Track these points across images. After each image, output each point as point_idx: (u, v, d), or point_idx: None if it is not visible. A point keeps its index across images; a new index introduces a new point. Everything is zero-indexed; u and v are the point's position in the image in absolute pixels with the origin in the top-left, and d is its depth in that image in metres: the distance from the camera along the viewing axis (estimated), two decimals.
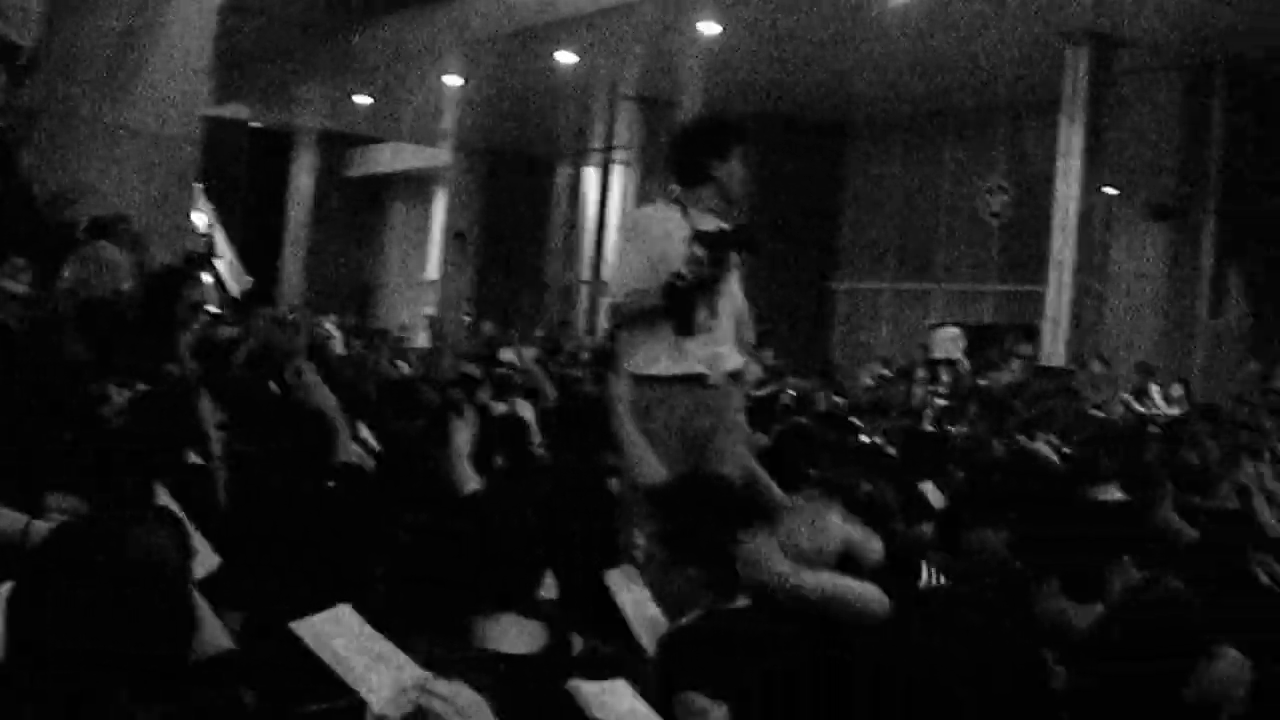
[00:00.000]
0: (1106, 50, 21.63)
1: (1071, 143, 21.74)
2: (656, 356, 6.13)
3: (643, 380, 6.13)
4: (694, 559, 4.09)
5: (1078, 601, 4.69)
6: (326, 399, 6.46)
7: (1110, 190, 22.63)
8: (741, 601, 4.14)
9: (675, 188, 6.36)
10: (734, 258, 6.29)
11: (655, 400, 6.09)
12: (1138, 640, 4.13)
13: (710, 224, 6.20)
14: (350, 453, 6.75)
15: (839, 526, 4.94)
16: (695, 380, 6.12)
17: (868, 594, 4.41)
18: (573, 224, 36.24)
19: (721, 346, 6.22)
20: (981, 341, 23.23)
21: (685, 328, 6.08)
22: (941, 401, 17.88)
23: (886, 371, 20.92)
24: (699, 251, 6.02)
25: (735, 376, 6.30)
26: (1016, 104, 26.41)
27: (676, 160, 6.41)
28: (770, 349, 18.13)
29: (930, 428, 15.58)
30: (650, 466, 5.17)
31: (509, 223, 36.65)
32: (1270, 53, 21.71)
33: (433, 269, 37.73)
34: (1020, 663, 3.40)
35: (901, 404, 18.12)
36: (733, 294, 6.35)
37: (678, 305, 6.05)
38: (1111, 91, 22.01)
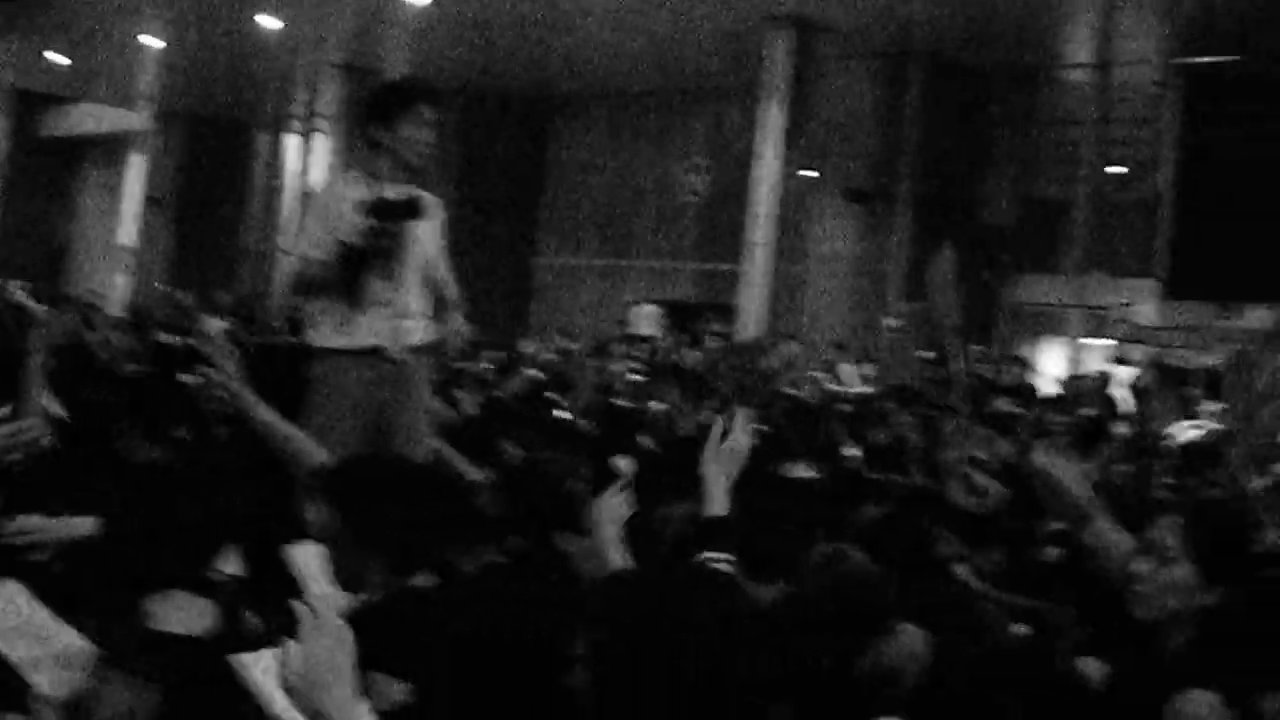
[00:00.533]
0: (808, 35, 22.04)
1: (771, 125, 22.09)
2: (333, 329, 5.95)
3: (321, 353, 5.97)
4: (370, 538, 3.97)
5: (758, 580, 4.70)
6: None
7: (808, 173, 23.07)
8: (422, 579, 4.05)
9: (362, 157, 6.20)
10: (433, 228, 6.15)
11: (332, 373, 5.92)
12: (817, 616, 4.14)
13: (392, 193, 6.02)
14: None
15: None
16: (373, 353, 5.96)
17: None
18: (272, 191, 35.53)
19: (407, 319, 6.04)
20: (679, 319, 23.49)
21: (356, 299, 5.90)
22: (638, 377, 17.96)
23: (571, 345, 20.90)
24: (366, 221, 5.84)
25: (423, 350, 6.14)
26: (719, 85, 26.73)
27: (356, 127, 6.27)
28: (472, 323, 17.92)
29: (626, 403, 15.65)
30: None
31: (207, 189, 35.77)
32: (965, 44, 22.42)
33: (128, 234, 36.49)
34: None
35: (597, 380, 18.17)
36: (425, 265, 6.18)
37: (347, 276, 5.86)
38: (811, 76, 22.44)
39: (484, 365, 16.52)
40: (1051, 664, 3.67)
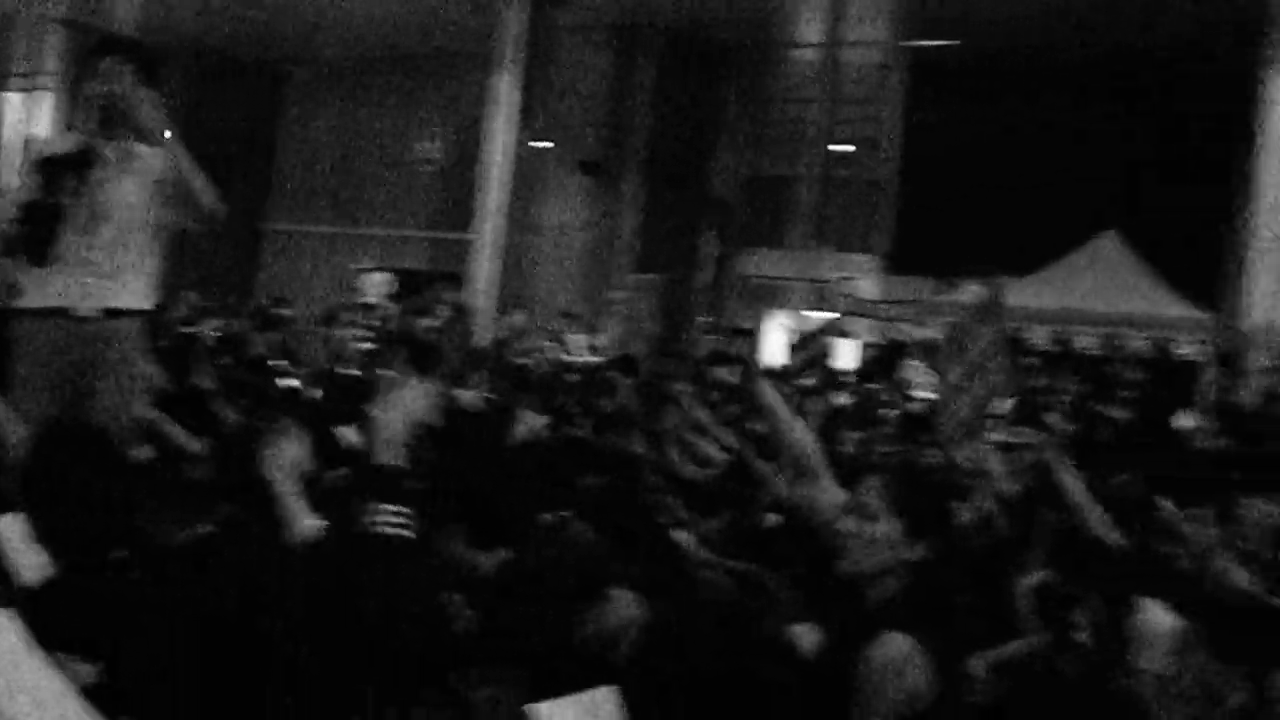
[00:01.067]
0: (543, 5, 21.99)
1: (504, 94, 22.01)
2: (23, 289, 5.71)
3: (12, 315, 5.73)
4: (57, 511, 3.83)
5: (482, 546, 4.68)
6: None
7: (540, 143, 23.05)
8: (117, 553, 3.92)
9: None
10: (142, 183, 5.92)
11: (23, 336, 5.69)
12: (540, 582, 4.14)
13: (61, 147, 5.82)
14: None
15: None
16: (60, 314, 5.73)
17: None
18: None
19: (106, 279, 5.80)
20: (410, 287, 23.29)
21: (36, 258, 5.67)
22: (367, 346, 17.76)
23: (285, 311, 20.55)
24: (36, 177, 5.64)
25: (123, 313, 5.88)
26: (455, 52, 26.52)
27: (70, 84, 6.04)
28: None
29: (355, 372, 15.47)
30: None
31: None
32: (699, 20, 22.63)
33: None
34: (421, 606, 3.33)
35: (326, 348, 17.92)
36: (134, 221, 5.91)
37: (32, 234, 5.63)
38: (546, 47, 22.39)
39: (209, 332, 16.14)
40: (760, 629, 3.72)
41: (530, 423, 8.45)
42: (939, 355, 11.85)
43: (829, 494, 4.63)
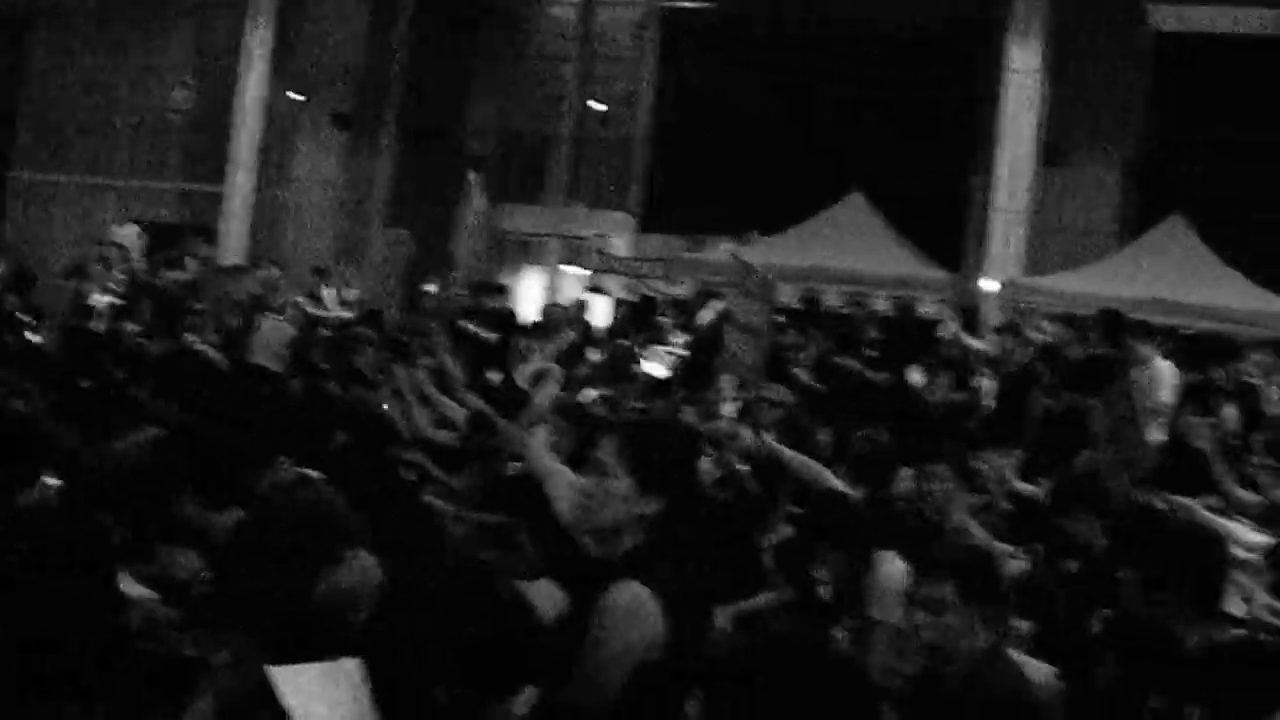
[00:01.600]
0: None
1: (257, 44, 21.64)
2: None
3: None
4: None
5: (215, 505, 4.60)
6: None
7: (294, 96, 22.68)
8: None
9: None
10: None
11: None
12: (275, 542, 4.07)
13: None
14: None
15: None
16: None
17: None
18: None
19: None
20: (160, 240, 22.70)
21: None
22: (115, 300, 17.31)
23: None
24: None
25: None
26: (205, 1, 25.92)
27: None
28: None
29: (101, 327, 15.11)
30: None
31: None
32: None
33: None
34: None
35: (72, 302, 17.47)
36: None
37: None
38: None
39: None
40: (501, 587, 3.71)
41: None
42: (690, 319, 12.06)
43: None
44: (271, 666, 3.21)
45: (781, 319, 15.26)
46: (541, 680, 3.44)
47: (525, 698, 3.37)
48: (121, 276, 19.09)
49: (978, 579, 4.69)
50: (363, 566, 3.92)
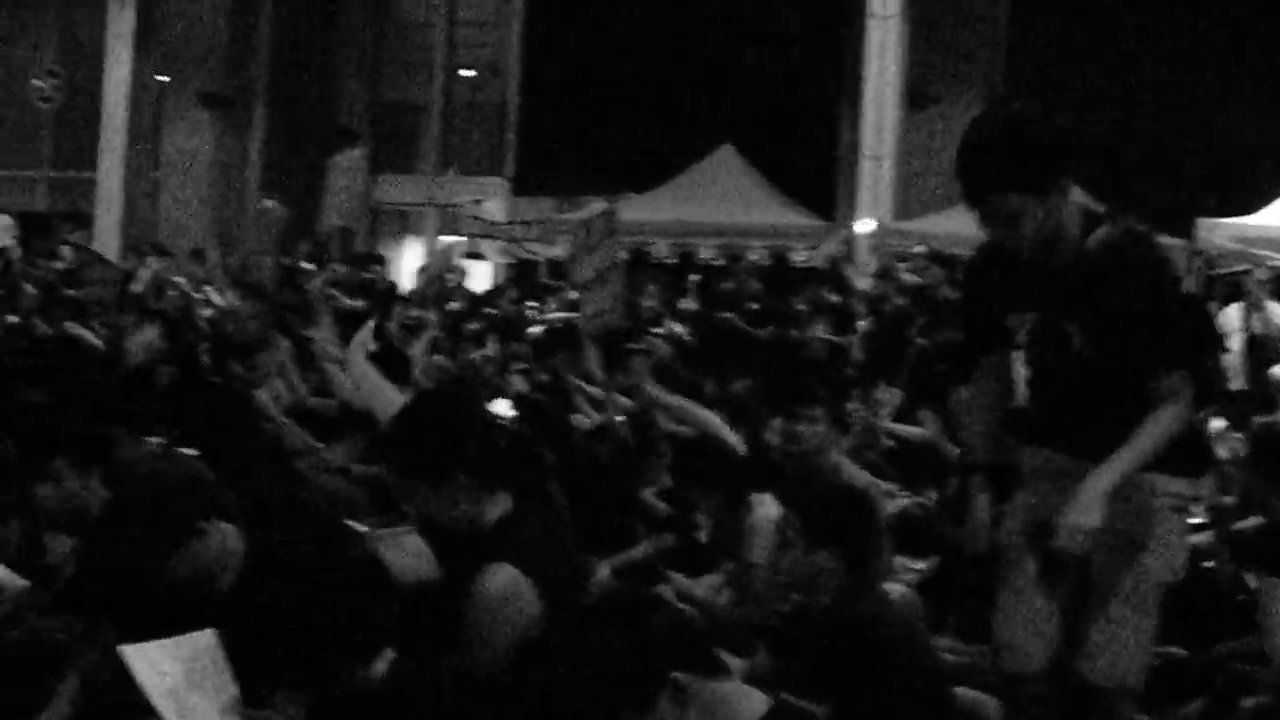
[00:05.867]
0: None
1: (122, 27, 21.38)
2: None
3: None
4: None
5: (80, 473, 4.55)
6: None
7: (162, 77, 22.43)
8: None
9: None
10: None
11: None
12: (137, 517, 4.06)
13: None
14: None
15: None
16: None
17: None
18: None
19: None
20: (34, 229, 22.35)
21: None
22: None
23: None
24: None
25: None
26: None
27: None
28: None
29: None
30: None
31: None
32: None
33: None
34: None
35: None
36: None
37: None
38: None
39: None
40: (350, 550, 3.74)
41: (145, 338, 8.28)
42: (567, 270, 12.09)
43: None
44: (125, 646, 3.22)
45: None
46: (400, 643, 3.46)
47: (382, 660, 3.39)
48: None
49: (849, 516, 4.76)
50: (224, 537, 3.91)
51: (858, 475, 6.70)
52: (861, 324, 14.63)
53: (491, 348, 13.23)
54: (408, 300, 15.99)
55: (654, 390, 7.78)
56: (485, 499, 3.90)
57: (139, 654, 3.24)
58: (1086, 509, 3.83)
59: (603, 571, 6.11)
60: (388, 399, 5.19)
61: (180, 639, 3.34)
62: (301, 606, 3.27)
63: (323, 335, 9.20)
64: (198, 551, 3.85)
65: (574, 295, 16.60)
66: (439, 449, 3.87)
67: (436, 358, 10.59)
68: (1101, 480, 3.85)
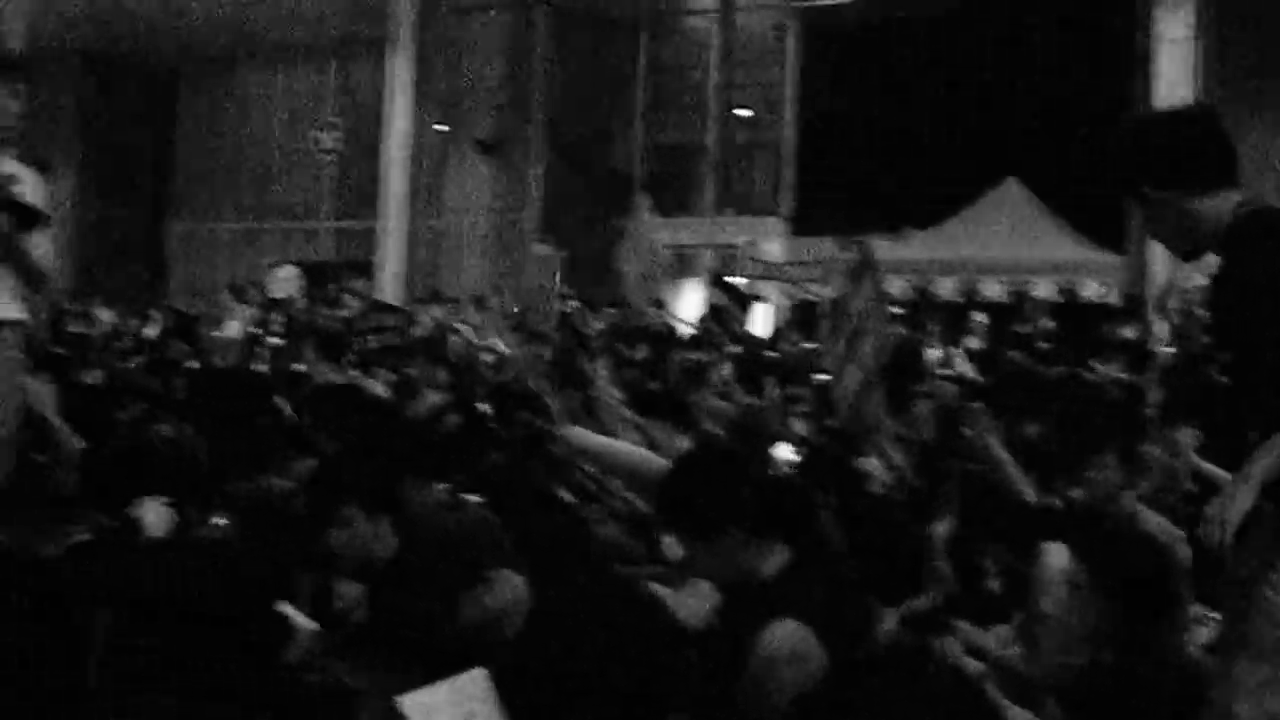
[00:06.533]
0: None
1: (400, 78, 21.89)
2: None
3: None
4: None
5: (371, 520, 4.60)
6: None
7: (440, 126, 22.91)
8: None
9: None
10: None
11: None
12: (427, 564, 4.08)
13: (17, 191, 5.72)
14: None
15: None
16: None
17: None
18: None
19: None
20: (318, 279, 23.07)
21: None
22: (277, 340, 17.64)
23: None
24: None
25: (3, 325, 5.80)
26: (347, 40, 26.30)
27: None
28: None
29: (263, 368, 15.38)
30: None
31: None
32: None
33: None
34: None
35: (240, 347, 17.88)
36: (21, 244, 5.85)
37: None
38: (439, 28, 22.26)
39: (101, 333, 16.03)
40: (640, 600, 3.67)
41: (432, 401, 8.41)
42: (820, 327, 11.91)
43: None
44: (401, 696, 3.22)
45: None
46: (686, 695, 3.38)
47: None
48: (257, 312, 19.49)
49: (1145, 566, 4.55)
50: (511, 585, 3.90)
51: (1155, 522, 6.44)
52: (1160, 361, 14.12)
53: (773, 391, 13.13)
54: (689, 344, 16.00)
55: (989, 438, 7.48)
56: (762, 552, 3.86)
57: (415, 703, 3.24)
58: (1228, 500, 3.56)
59: (889, 621, 5.96)
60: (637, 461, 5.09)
61: (454, 680, 3.33)
62: (589, 655, 3.21)
63: (602, 381, 9.24)
64: (485, 599, 3.85)
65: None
66: (710, 506, 3.83)
67: (719, 402, 10.54)
68: (1248, 471, 3.58)
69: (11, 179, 5.74)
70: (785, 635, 3.64)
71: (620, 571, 4.69)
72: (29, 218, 5.78)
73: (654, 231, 17.45)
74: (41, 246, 5.87)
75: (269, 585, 3.28)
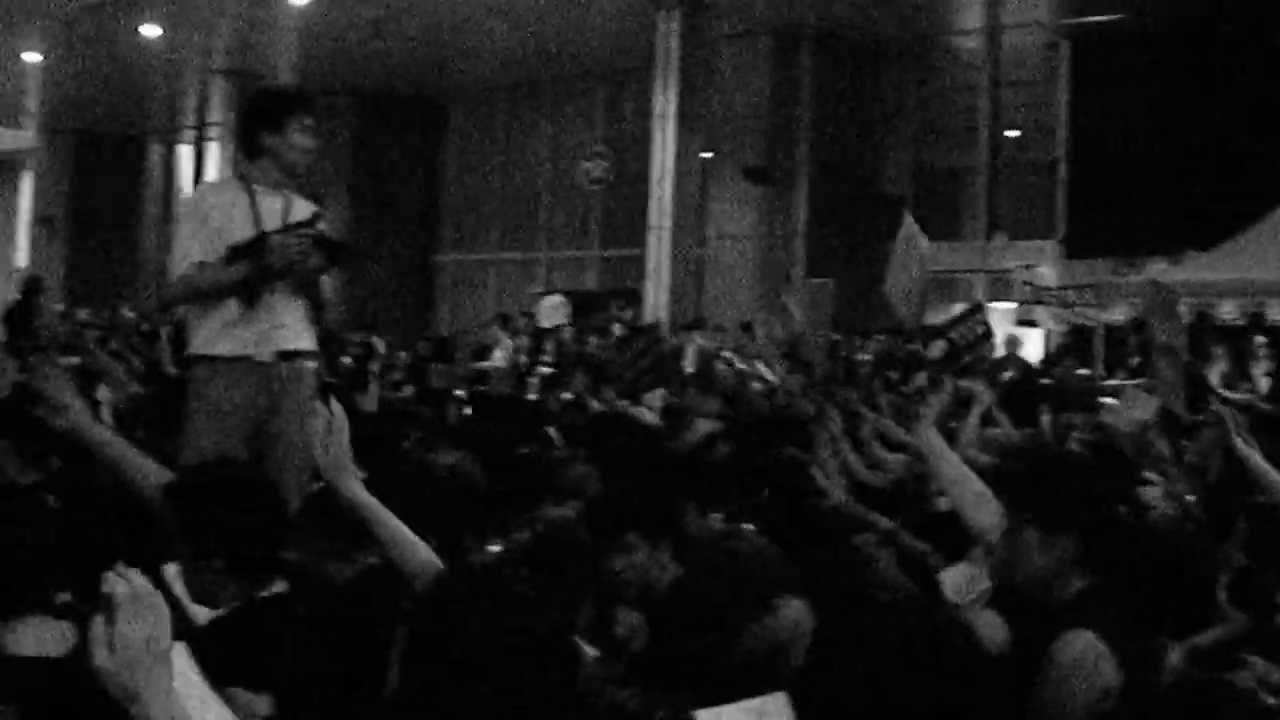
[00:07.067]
0: (697, 15, 21.99)
1: (665, 108, 22.02)
2: (210, 336, 5.82)
3: (200, 360, 5.84)
4: (216, 549, 3.87)
5: (654, 548, 4.62)
6: None
7: (705, 153, 23.02)
8: (277, 587, 3.94)
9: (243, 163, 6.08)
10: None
11: (205, 381, 5.80)
12: (708, 594, 4.07)
13: (302, 209, 5.93)
14: None
15: None
16: (243, 361, 5.82)
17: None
18: (168, 203, 35.18)
19: (282, 326, 5.89)
20: (585, 307, 23.36)
21: (248, 299, 5.79)
22: (547, 369, 17.92)
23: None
24: (295, 243, 5.75)
25: (301, 355, 5.99)
26: (611, 70, 26.64)
27: (238, 134, 6.16)
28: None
29: (533, 396, 15.61)
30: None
31: (100, 204, 35.28)
32: (854, 17, 22.44)
33: (21, 256, 35.97)
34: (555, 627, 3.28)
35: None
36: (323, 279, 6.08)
37: (251, 286, 5.76)
38: (703, 56, 22.39)
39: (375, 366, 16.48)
40: (938, 621, 3.59)
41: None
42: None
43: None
44: (699, 711, 3.19)
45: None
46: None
47: None
48: (525, 341, 19.80)
49: None
50: (795, 613, 3.87)
51: None
52: None
53: (1045, 418, 12.85)
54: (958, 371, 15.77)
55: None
56: (1068, 573, 3.87)
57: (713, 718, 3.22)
58: None
59: (1176, 655, 5.78)
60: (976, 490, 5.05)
61: (752, 702, 3.29)
62: (886, 680, 3.14)
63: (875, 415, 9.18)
64: (770, 627, 3.83)
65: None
66: (1063, 506, 4.00)
67: (993, 430, 10.35)
68: None
69: (319, 215, 5.95)
70: (1080, 646, 3.63)
71: (916, 594, 4.64)
72: (335, 253, 5.98)
73: (920, 252, 17.26)
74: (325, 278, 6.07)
75: (554, 613, 3.28)
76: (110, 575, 2.43)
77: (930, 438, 5.36)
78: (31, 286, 19.89)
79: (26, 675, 3.23)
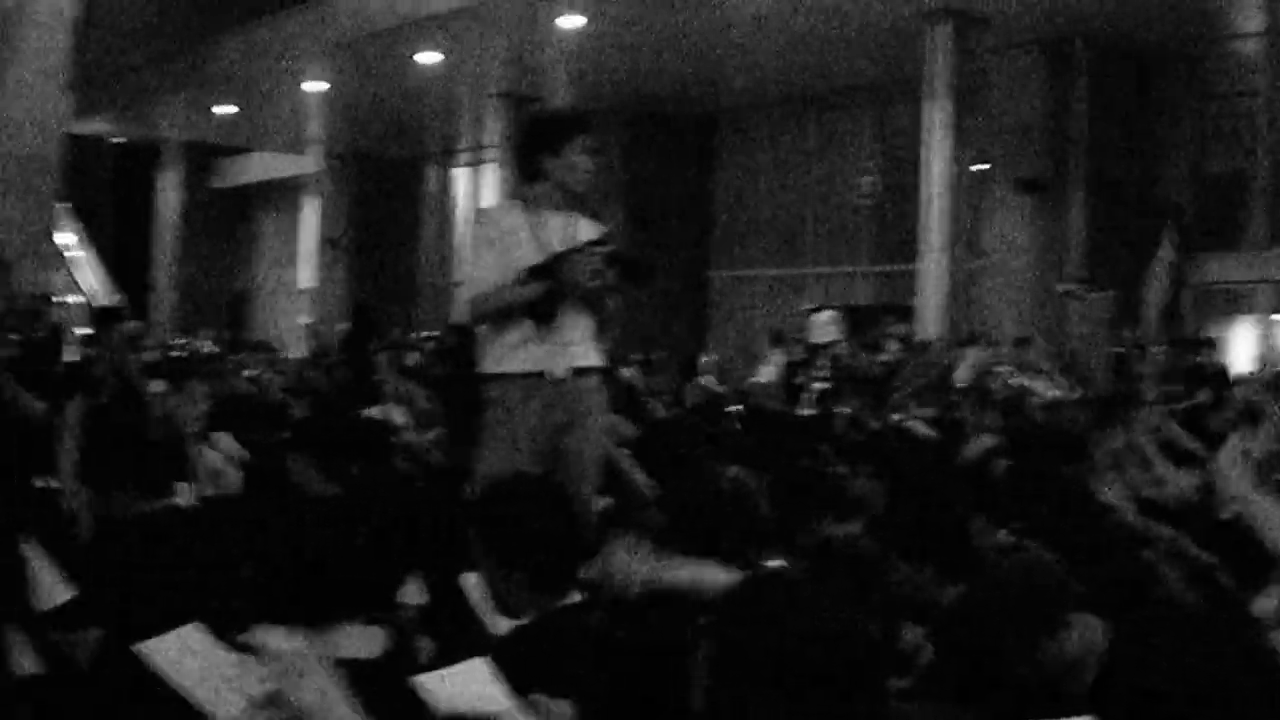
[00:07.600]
0: (968, 28, 21.77)
1: (937, 121, 21.85)
2: (504, 354, 6.01)
3: (493, 378, 6.03)
4: (519, 562, 4.01)
5: (940, 571, 4.63)
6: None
7: (978, 166, 22.76)
8: (574, 597, 4.06)
9: (523, 186, 6.26)
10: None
11: (502, 399, 5.98)
12: (999, 611, 4.06)
13: (587, 230, 6.11)
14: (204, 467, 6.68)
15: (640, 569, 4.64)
16: (538, 377, 5.98)
17: (711, 577, 4.33)
18: (445, 225, 36.09)
19: (572, 344, 6.05)
20: (857, 323, 23.28)
21: (545, 317, 5.96)
22: (821, 385, 17.91)
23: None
24: (590, 263, 5.92)
25: (591, 372, 6.15)
26: (881, 85, 26.51)
27: (515, 157, 6.34)
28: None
29: (810, 411, 15.62)
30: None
31: (380, 227, 36.37)
32: (1128, 24, 21.97)
33: (306, 278, 37.28)
34: (864, 638, 3.30)
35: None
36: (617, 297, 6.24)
37: (547, 305, 5.93)
38: (974, 68, 22.16)
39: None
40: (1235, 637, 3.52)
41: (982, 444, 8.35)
42: None
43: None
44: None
45: None
46: None
47: None
48: (797, 356, 19.79)
49: None
50: (1087, 629, 3.85)
51: None
52: None
53: None
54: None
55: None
56: None
57: None
58: None
59: None
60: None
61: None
62: (1185, 705, 3.09)
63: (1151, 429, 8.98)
64: (1064, 645, 3.82)
65: None
66: None
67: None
68: None
69: (609, 234, 6.11)
70: None
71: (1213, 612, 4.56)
72: (633, 269, 6.13)
73: (1170, 261, 16.85)
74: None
75: (863, 621, 3.31)
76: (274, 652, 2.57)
77: (1240, 485, 5.16)
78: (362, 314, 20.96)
79: (351, 675, 3.39)
